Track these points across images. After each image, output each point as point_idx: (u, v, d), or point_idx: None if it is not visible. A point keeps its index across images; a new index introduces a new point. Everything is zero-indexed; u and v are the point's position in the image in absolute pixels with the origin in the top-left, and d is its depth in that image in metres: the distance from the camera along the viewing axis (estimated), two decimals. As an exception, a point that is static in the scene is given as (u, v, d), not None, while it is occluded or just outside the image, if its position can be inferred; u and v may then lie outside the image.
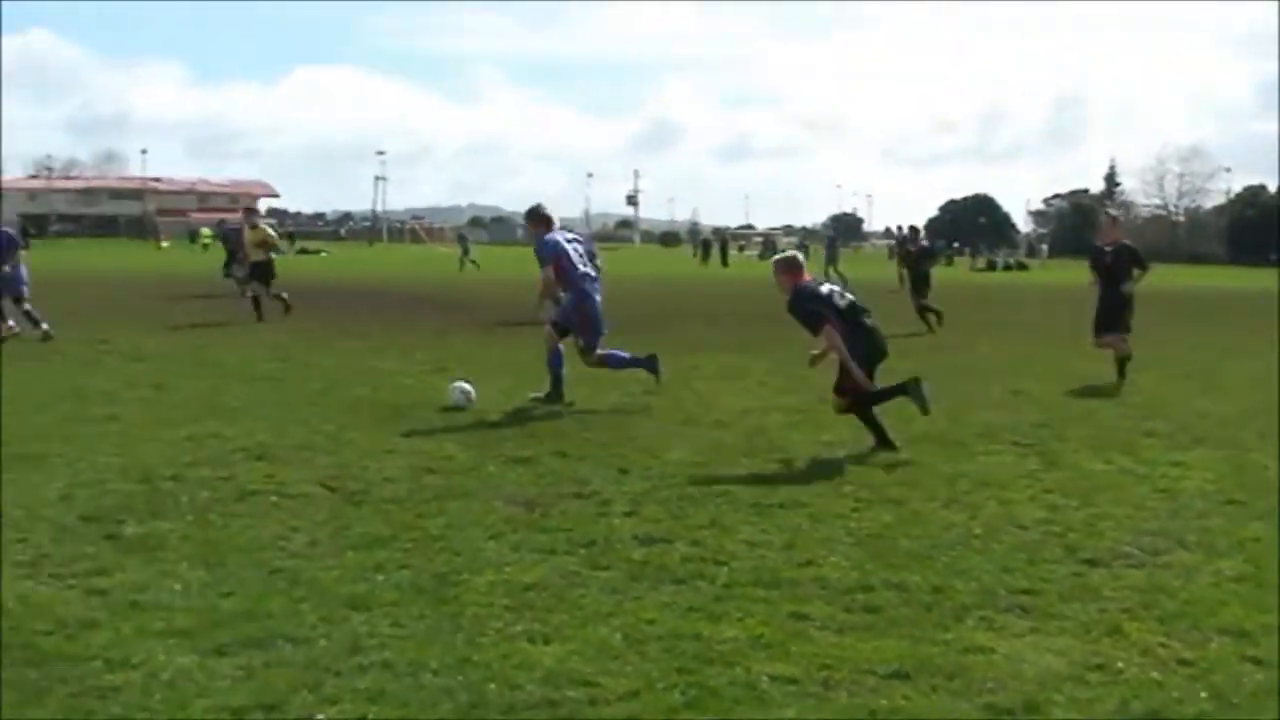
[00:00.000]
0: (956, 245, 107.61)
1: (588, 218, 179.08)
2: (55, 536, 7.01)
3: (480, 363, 16.12)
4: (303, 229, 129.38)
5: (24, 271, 19.14)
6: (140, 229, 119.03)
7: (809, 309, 10.08)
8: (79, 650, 5.17)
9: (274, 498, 8.00)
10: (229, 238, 31.79)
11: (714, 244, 77.46)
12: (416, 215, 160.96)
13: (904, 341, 20.64)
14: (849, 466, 9.31)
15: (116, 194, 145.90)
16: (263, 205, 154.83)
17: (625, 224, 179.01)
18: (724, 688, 4.87)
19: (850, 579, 6.36)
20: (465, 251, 55.00)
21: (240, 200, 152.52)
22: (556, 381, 12.47)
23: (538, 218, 13.00)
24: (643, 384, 13.81)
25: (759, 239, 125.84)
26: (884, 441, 9.93)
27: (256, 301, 22.79)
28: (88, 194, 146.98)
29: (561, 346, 12.56)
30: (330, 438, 10.18)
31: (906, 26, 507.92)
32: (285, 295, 23.24)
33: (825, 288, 10.42)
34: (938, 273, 26.89)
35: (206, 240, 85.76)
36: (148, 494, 8.07)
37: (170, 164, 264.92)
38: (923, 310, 23.19)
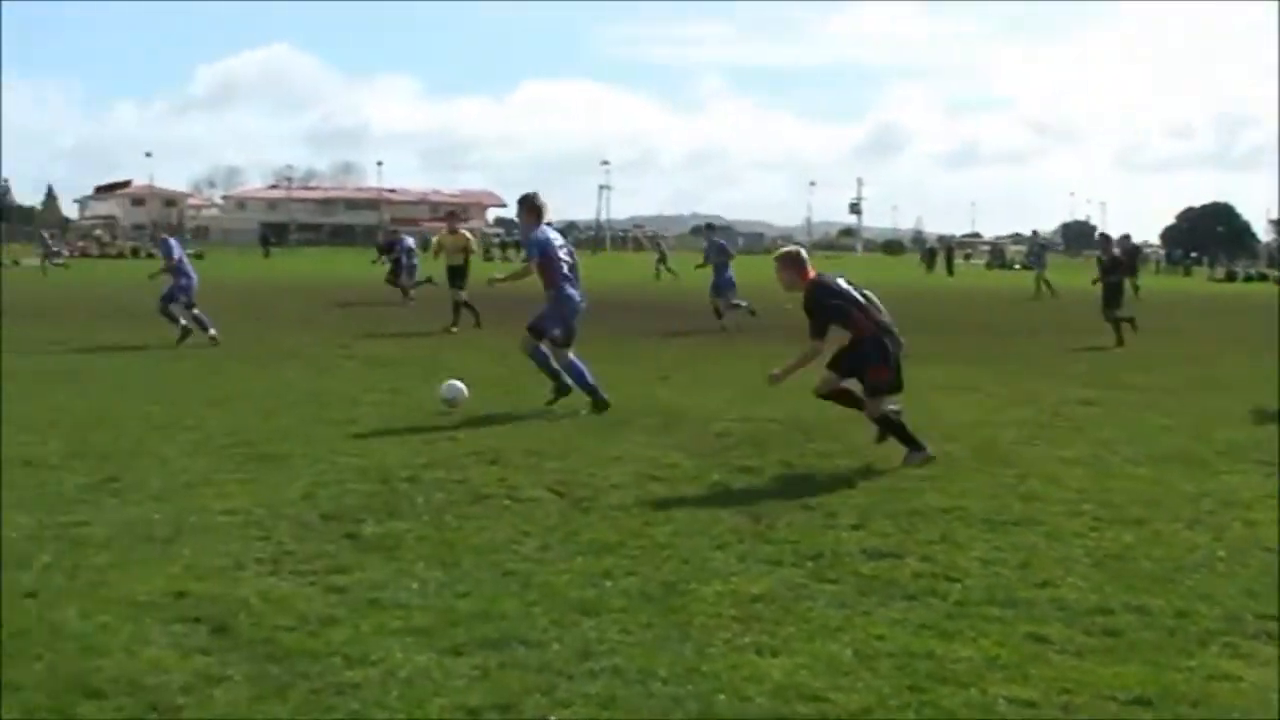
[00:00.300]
0: (1195, 255, 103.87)
1: (809, 226, 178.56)
2: (297, 534, 7.26)
3: (700, 372, 16.20)
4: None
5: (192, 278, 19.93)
6: (376, 238, 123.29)
7: (832, 304, 9.64)
8: (319, 646, 5.32)
9: (506, 501, 8.15)
10: (393, 247, 32.69)
11: (939, 252, 76.29)
12: (639, 224, 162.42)
13: (1138, 355, 19.97)
14: (1085, 484, 9.00)
15: (353, 204, 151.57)
16: (491, 215, 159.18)
17: (848, 232, 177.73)
18: (959, 709, 4.76)
19: (1089, 601, 6.15)
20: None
21: (470, 210, 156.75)
22: (554, 375, 12.36)
23: (531, 207, 12.72)
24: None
25: (986, 247, 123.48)
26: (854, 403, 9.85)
27: (468, 306, 22.84)
28: (326, 204, 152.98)
29: (543, 346, 12.40)
30: (558, 444, 10.33)
31: (1141, 28, 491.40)
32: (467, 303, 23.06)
33: (842, 281, 10.00)
34: (1173, 282, 25.76)
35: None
36: (385, 495, 8.31)
37: (404, 175, 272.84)
38: (1116, 322, 21.61)
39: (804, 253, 10.22)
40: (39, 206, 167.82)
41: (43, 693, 4.77)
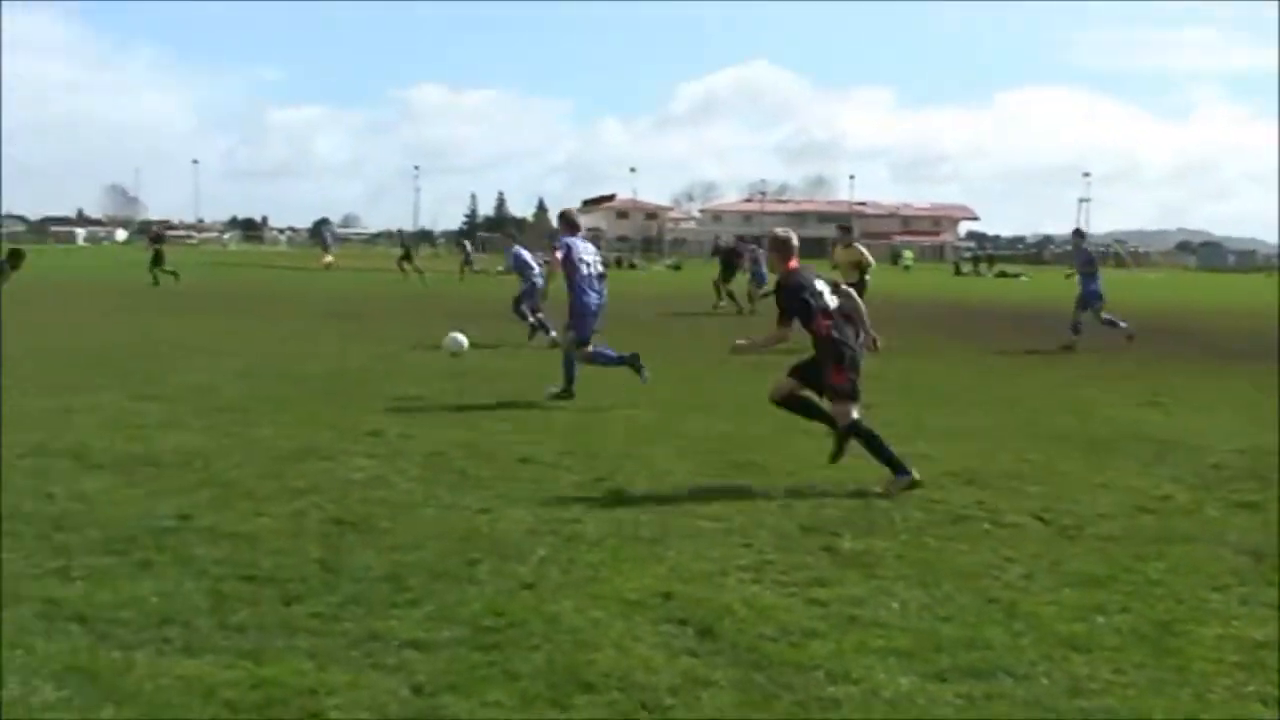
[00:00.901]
0: None
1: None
2: (777, 544, 7.36)
3: (1197, 396, 15.27)
4: (1001, 252, 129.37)
5: (539, 282, 20.73)
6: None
7: (801, 300, 9.23)
8: (801, 659, 5.36)
9: (986, 525, 7.97)
10: (723, 253, 33.63)
11: None
12: (1119, 239, 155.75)
13: None
14: None
15: (824, 217, 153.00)
16: (962, 228, 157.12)
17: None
18: None
19: None
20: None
21: (941, 223, 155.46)
22: (625, 361, 13.96)
23: (568, 221, 14.54)
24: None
25: None
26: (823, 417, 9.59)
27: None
28: (798, 217, 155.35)
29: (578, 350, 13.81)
30: (1040, 467, 10.00)
31: None
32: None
33: (819, 283, 9.40)
34: None
35: (908, 263, 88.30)
36: (862, 510, 8.30)
37: (875, 188, 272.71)
38: None
39: (794, 239, 9.83)
40: (530, 218, 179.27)
41: (541, 682, 5.03)
